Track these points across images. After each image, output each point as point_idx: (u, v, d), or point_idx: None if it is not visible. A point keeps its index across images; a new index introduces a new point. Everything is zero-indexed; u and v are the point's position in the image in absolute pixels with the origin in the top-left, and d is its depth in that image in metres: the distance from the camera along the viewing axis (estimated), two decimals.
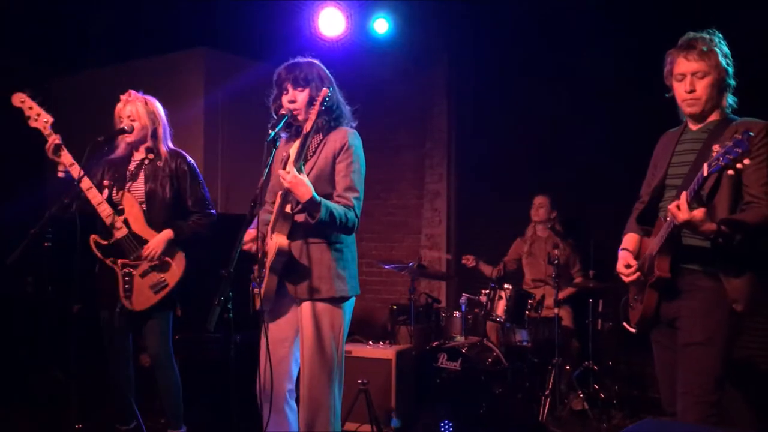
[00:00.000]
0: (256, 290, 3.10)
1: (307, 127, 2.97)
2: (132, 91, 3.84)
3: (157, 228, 3.76)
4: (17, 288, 5.84)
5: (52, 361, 5.17)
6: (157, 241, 3.72)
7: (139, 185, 3.81)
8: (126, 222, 3.74)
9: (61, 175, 3.68)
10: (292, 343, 3.18)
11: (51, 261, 3.60)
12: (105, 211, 3.70)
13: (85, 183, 3.65)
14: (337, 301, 3.10)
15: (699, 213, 2.55)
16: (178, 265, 3.77)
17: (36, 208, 3.91)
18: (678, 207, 2.57)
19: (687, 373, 2.74)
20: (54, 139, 3.63)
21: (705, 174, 2.48)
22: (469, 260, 5.79)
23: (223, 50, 6.36)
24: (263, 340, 3.14)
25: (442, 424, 4.59)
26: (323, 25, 5.94)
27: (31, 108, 3.67)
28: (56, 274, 3.96)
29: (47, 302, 5.41)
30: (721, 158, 2.42)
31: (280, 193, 3.10)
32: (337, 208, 2.98)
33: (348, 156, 3.09)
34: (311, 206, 2.91)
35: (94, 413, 4.30)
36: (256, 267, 3.12)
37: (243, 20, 6.08)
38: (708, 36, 2.82)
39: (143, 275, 3.73)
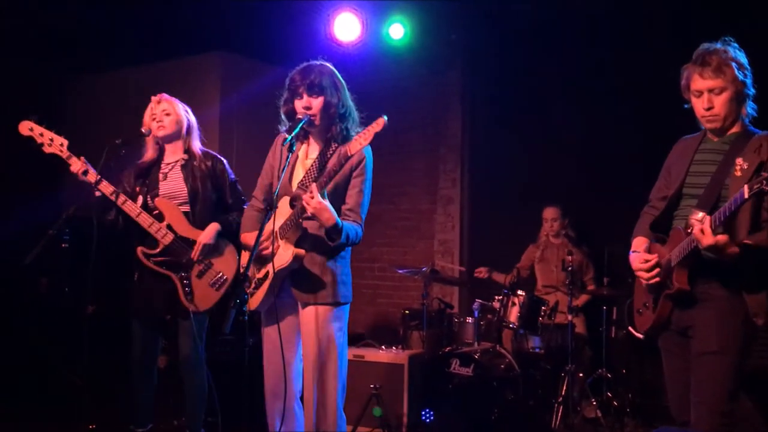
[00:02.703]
0: (252, 290, 3.14)
1: (333, 162, 2.99)
2: (163, 94, 3.83)
3: (202, 227, 3.69)
4: (31, 289, 5.89)
5: (65, 362, 5.20)
6: (206, 234, 3.66)
7: (175, 186, 3.74)
8: (169, 227, 3.66)
9: (98, 194, 3.57)
10: (295, 345, 3.23)
11: (67, 262, 3.61)
12: (146, 221, 3.62)
13: (121, 198, 3.59)
14: (339, 306, 3.16)
15: (723, 238, 2.54)
16: (231, 258, 3.70)
17: (52, 211, 3.87)
18: (702, 231, 2.55)
19: (701, 382, 2.71)
20: (78, 167, 3.55)
21: (746, 196, 2.44)
22: (481, 272, 5.78)
23: (239, 54, 6.39)
24: (265, 344, 3.22)
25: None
26: (339, 30, 5.95)
27: (41, 134, 3.57)
28: (72, 275, 3.98)
29: (61, 303, 5.44)
30: (765, 182, 2.37)
31: (287, 198, 3.12)
32: (351, 229, 3.07)
33: (363, 173, 3.16)
34: (333, 231, 2.98)
35: (106, 414, 4.32)
36: (252, 269, 3.15)
37: (259, 24, 6.11)
38: (722, 47, 2.74)
39: (200, 275, 3.67)
